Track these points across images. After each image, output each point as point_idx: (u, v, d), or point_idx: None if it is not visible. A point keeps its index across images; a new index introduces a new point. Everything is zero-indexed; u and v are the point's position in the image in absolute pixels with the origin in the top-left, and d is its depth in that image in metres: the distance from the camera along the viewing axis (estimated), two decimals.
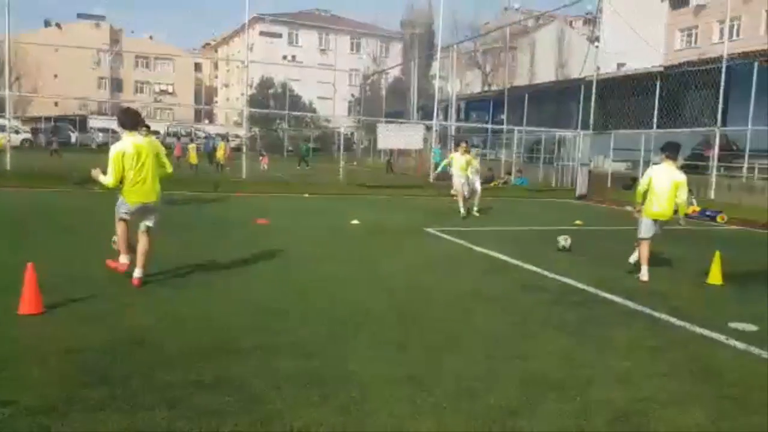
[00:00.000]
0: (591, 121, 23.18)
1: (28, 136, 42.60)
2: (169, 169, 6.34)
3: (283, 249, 8.49)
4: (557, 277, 7.54)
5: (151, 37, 79.79)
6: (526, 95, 31.36)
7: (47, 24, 73.42)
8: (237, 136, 45.02)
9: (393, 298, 6.17)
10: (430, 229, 11.39)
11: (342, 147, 24.34)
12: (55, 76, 65.56)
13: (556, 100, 29.99)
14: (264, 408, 3.43)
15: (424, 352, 4.56)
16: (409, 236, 10.70)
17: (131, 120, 6.03)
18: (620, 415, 3.63)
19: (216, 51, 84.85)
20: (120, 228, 5.98)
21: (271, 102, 54.20)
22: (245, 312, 5.38)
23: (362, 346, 4.62)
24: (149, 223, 6.06)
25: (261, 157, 29.82)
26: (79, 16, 73.61)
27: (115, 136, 46.03)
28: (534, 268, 8.02)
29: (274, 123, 51.83)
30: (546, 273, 7.76)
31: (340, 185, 20.38)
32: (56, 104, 58.50)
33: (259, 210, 12.90)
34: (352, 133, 51.34)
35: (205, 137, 38.22)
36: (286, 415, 3.36)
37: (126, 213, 5.93)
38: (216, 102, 79.60)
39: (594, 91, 22.87)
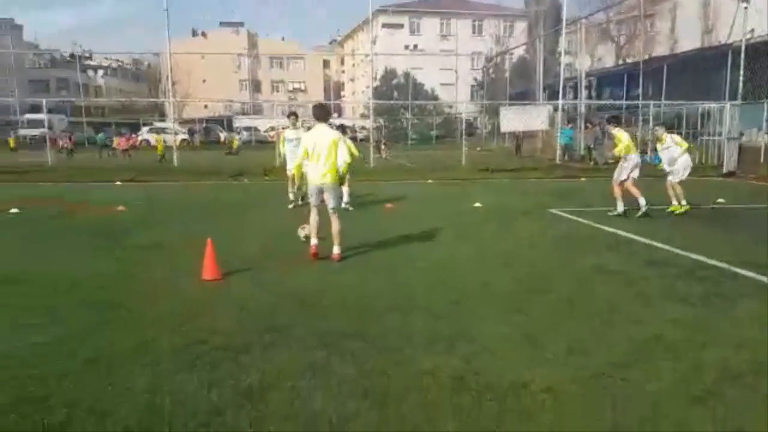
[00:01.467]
0: (740, 90, 21.41)
1: (186, 136, 47.43)
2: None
3: (410, 231, 9.16)
4: (687, 254, 7.47)
5: (282, 38, 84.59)
6: (665, 66, 29.45)
7: (194, 34, 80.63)
8: (363, 128, 46.78)
9: (514, 272, 6.60)
10: (554, 210, 11.53)
11: (464, 132, 24.59)
12: (204, 81, 71.89)
13: (698, 70, 27.80)
14: (397, 354, 4.09)
15: (542, 317, 4.98)
16: (532, 217, 10.95)
17: (322, 113, 7.12)
18: (734, 374, 3.82)
19: (342, 47, 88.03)
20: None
21: (394, 93, 55.47)
22: (382, 282, 6.10)
23: (484, 312, 5.13)
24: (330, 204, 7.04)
25: (381, 147, 30.96)
26: (221, 24, 79.75)
27: (257, 134, 49.95)
28: (663, 246, 7.97)
29: (398, 113, 53.07)
30: (676, 250, 7.70)
31: (462, 170, 20.79)
32: (206, 107, 64.31)
33: (385, 195, 13.73)
34: (475, 118, 51.18)
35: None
36: (415, 359, 3.99)
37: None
38: (343, 96, 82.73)
39: (743, 57, 21.08)
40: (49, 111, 50.79)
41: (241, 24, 79.55)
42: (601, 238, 8.79)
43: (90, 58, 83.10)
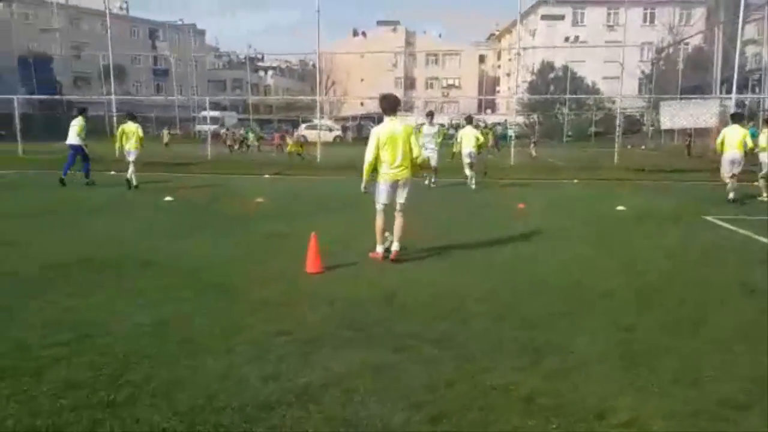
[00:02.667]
0: None
1: (339, 133, 49.66)
2: (415, 152, 6.61)
3: (533, 232, 8.66)
4: None
5: (440, 35, 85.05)
6: None
7: (355, 34, 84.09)
8: (517, 124, 45.49)
9: (636, 282, 5.94)
10: (709, 217, 10.22)
11: (621, 128, 22.77)
12: (362, 79, 74.83)
13: None
14: (473, 364, 3.83)
15: (652, 337, 4.40)
16: (680, 223, 9.82)
17: (390, 105, 6.62)
18: None
19: (499, 41, 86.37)
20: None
21: (551, 87, 53.17)
22: (483, 285, 5.81)
23: (587, 325, 4.65)
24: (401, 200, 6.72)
25: (531, 144, 29.78)
26: (379, 23, 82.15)
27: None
28: None
29: (553, 108, 50.81)
30: None
31: (614, 170, 19.27)
32: (362, 104, 66.83)
33: (519, 195, 13.15)
34: (641, 114, 47.34)
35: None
36: (491, 372, 3.71)
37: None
38: (498, 91, 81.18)
39: None
40: (223, 109, 56.23)
41: (398, 23, 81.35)
42: (758, 252, 7.60)
43: (262, 59, 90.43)
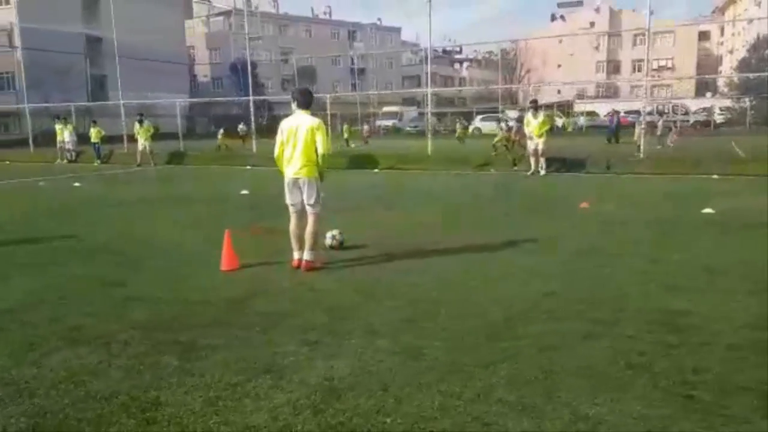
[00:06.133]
0: None
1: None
2: (321, 149, 5.74)
3: (571, 238, 7.22)
4: None
5: (651, 12, 76.69)
6: None
7: (553, 18, 79.87)
8: (726, 108, 39.05)
9: (672, 298, 4.53)
10: None
11: None
12: (558, 66, 70.96)
13: None
14: (539, 383, 3.26)
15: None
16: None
17: (304, 99, 5.89)
18: None
19: (723, 14, 75.06)
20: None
21: None
22: (524, 294, 4.91)
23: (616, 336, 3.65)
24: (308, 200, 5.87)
25: (671, 130, 25.25)
26: (560, 5, 76.94)
27: (593, 119, 46.40)
28: None
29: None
30: None
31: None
32: (558, 92, 63.41)
33: (605, 192, 11.16)
34: None
35: (608, 115, 33.55)
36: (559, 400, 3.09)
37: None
38: (720, 71, 70.70)
39: None
40: (414, 104, 57.53)
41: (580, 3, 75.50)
42: None
43: (460, 51, 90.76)
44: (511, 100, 62.73)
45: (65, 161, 22.82)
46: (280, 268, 5.89)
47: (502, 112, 42.27)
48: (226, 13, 64.41)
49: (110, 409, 3.07)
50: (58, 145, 23.41)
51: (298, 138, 5.73)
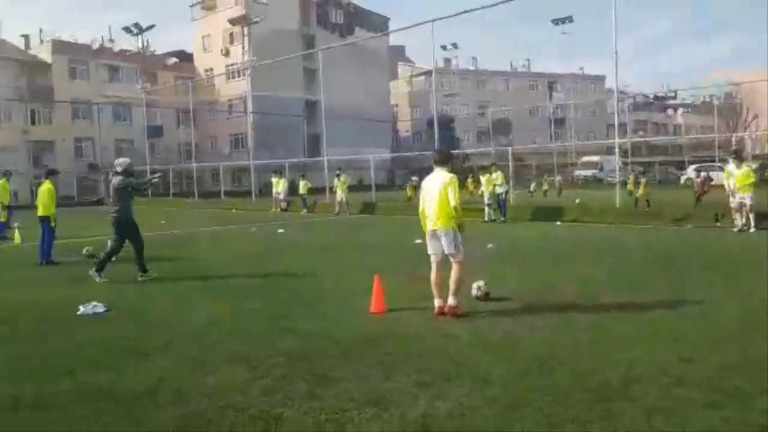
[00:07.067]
0: None
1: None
2: (453, 202, 6.11)
3: (747, 305, 6.44)
4: None
5: None
6: None
7: None
8: None
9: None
10: None
11: None
12: None
13: None
14: None
15: None
16: None
17: (440, 158, 6.49)
18: None
19: None
20: None
21: None
22: (658, 358, 4.69)
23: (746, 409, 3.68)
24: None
25: None
26: None
27: None
28: None
29: None
30: None
31: None
32: None
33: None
34: None
35: None
36: None
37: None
38: None
39: None
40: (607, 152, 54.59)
41: None
42: None
43: (674, 97, 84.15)
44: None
45: (278, 210, 26.02)
46: (421, 314, 6.27)
47: (722, 161, 37.98)
48: (427, 73, 68.40)
49: (242, 419, 3.70)
50: (273, 196, 26.88)
51: (434, 193, 6.22)
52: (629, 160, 44.64)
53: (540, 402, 3.82)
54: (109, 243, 9.18)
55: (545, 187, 36.72)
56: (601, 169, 45.36)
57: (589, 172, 45.53)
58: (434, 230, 6.26)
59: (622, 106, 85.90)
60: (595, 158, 46.80)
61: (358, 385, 4.23)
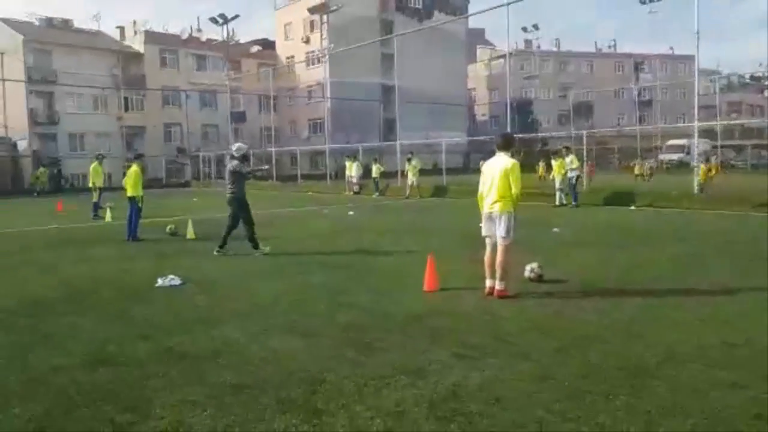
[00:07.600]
0: None
1: None
2: (515, 189, 6.26)
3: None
4: None
5: None
6: None
7: None
8: None
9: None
10: None
11: None
12: None
13: None
14: (640, 417, 3.35)
15: None
16: None
17: (503, 142, 6.59)
18: None
19: None
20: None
21: None
22: (699, 341, 4.69)
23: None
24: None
25: None
26: None
27: None
28: None
29: None
30: None
31: None
32: None
33: None
34: None
35: None
36: None
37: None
38: None
39: None
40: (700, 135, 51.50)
41: None
42: None
43: None
44: None
45: (351, 193, 26.63)
46: (473, 294, 6.46)
47: None
48: (506, 56, 66.98)
49: (289, 380, 4.08)
50: (346, 179, 27.51)
51: (495, 176, 6.37)
52: (718, 143, 42.11)
53: (570, 377, 3.96)
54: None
55: (636, 171, 35.23)
56: (688, 153, 42.89)
57: (675, 156, 43.20)
58: (491, 213, 6.44)
59: (713, 86, 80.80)
60: (681, 141, 44.28)
61: (399, 355, 4.52)
